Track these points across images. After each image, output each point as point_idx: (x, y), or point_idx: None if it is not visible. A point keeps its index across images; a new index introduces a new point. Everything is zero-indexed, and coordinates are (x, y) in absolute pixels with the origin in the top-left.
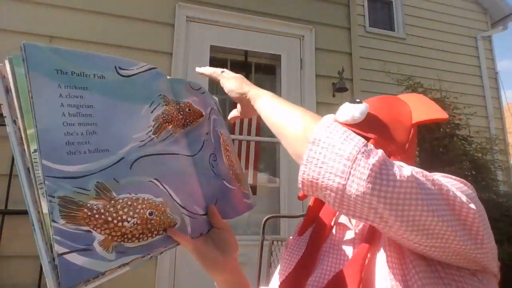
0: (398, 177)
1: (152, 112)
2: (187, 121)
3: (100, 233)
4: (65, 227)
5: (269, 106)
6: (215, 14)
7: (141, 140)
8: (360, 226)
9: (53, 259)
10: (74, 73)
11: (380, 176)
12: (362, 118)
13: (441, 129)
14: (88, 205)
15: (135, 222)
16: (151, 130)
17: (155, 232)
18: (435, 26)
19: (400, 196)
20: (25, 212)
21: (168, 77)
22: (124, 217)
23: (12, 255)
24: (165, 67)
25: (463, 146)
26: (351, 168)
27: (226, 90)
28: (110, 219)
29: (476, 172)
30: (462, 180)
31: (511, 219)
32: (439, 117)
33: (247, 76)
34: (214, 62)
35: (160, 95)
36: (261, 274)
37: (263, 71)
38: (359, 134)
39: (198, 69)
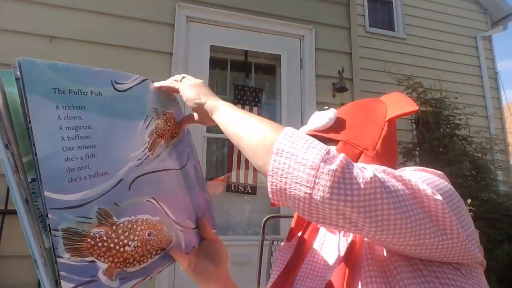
0: (361, 180)
1: (146, 128)
2: (174, 132)
3: (103, 262)
4: (70, 261)
5: (228, 118)
6: (215, 14)
7: (138, 159)
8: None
9: None
10: (72, 91)
11: (344, 181)
12: (330, 123)
13: (441, 129)
14: (91, 234)
15: (135, 245)
16: (146, 147)
17: (154, 253)
18: (435, 26)
19: (366, 198)
20: None
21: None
22: (125, 241)
23: (12, 255)
24: (165, 67)
25: (463, 146)
26: (315, 176)
27: (184, 99)
28: (112, 245)
29: (476, 172)
30: (434, 171)
31: (511, 219)
32: (409, 110)
33: (247, 76)
34: (214, 62)
35: (153, 108)
36: (261, 274)
37: (263, 71)
38: (329, 139)
39: (156, 84)
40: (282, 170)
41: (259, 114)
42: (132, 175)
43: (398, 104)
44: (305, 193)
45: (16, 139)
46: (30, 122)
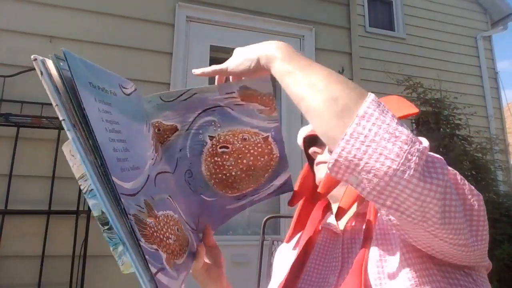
0: (445, 165)
1: (149, 131)
2: (159, 142)
3: (162, 252)
4: (146, 245)
5: (293, 69)
6: (215, 14)
7: (152, 158)
8: (349, 230)
9: (152, 278)
10: (99, 87)
11: (433, 164)
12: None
13: (441, 129)
14: (148, 222)
15: (174, 239)
16: (153, 149)
17: (184, 249)
18: (435, 26)
19: (446, 185)
20: (25, 212)
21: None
22: (167, 234)
23: (12, 255)
24: (165, 67)
25: (463, 146)
26: (408, 152)
27: (237, 70)
28: (161, 236)
29: (476, 172)
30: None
31: (511, 219)
32: (409, 113)
33: None
34: (214, 62)
35: (145, 115)
36: (261, 274)
37: None
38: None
39: (195, 71)
40: (366, 136)
41: None
42: (153, 172)
43: (398, 107)
44: (389, 167)
45: (81, 121)
46: (84, 109)
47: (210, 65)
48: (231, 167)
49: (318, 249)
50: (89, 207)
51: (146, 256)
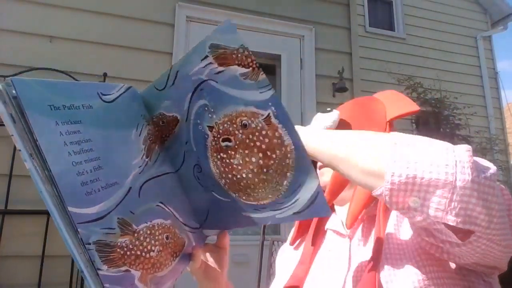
0: (491, 164)
1: (140, 135)
2: (163, 135)
3: (136, 270)
4: (109, 272)
5: (317, 141)
6: (215, 14)
7: (139, 166)
8: (357, 233)
9: None
10: (65, 106)
11: (482, 164)
12: (334, 125)
13: (441, 129)
14: (119, 243)
15: (159, 250)
16: (144, 154)
17: (174, 255)
18: (435, 26)
19: (494, 185)
20: (24, 212)
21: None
22: (149, 247)
23: (12, 255)
24: (165, 67)
25: None
26: (455, 156)
27: None
28: (139, 252)
29: None
30: None
31: None
32: (410, 111)
33: None
34: None
35: (142, 115)
36: (261, 275)
37: (263, 71)
38: None
39: None
40: (408, 155)
41: None
42: (138, 183)
43: (398, 104)
44: (447, 174)
45: (35, 152)
46: (37, 140)
47: None
48: (240, 167)
49: (324, 251)
50: None
51: (106, 285)
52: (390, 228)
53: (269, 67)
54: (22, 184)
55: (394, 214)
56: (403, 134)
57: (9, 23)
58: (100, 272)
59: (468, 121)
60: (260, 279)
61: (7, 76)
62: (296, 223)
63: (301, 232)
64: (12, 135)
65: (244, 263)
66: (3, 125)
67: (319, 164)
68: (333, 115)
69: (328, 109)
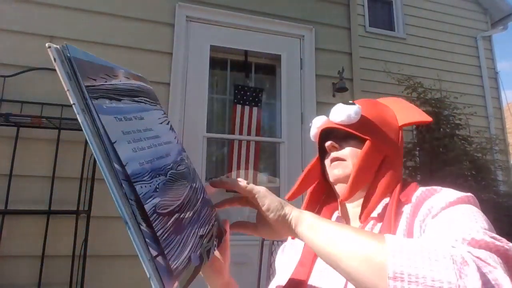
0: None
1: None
2: None
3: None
4: (146, 229)
5: (317, 232)
6: (215, 14)
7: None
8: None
9: (152, 259)
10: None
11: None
12: (357, 118)
13: (441, 129)
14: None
15: None
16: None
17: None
18: (435, 26)
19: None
20: (25, 212)
21: None
22: None
23: (12, 255)
24: (165, 67)
25: (463, 146)
26: (457, 269)
27: (263, 208)
28: None
29: (476, 172)
30: (466, 196)
31: (511, 219)
32: (423, 120)
33: (247, 76)
34: (214, 62)
35: None
36: (261, 274)
37: (263, 71)
38: (353, 135)
39: (216, 181)
40: (409, 270)
41: (259, 114)
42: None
43: (408, 112)
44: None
45: (87, 108)
46: (87, 99)
47: (210, 65)
48: None
49: None
50: (89, 207)
51: (146, 239)
52: (399, 233)
53: (269, 67)
54: (22, 184)
55: (404, 218)
56: (401, 250)
57: (9, 23)
58: (142, 228)
59: (468, 121)
60: (260, 278)
61: (7, 76)
62: None
63: None
64: (68, 90)
65: (243, 263)
66: (3, 125)
67: (331, 156)
68: (356, 108)
69: (350, 102)
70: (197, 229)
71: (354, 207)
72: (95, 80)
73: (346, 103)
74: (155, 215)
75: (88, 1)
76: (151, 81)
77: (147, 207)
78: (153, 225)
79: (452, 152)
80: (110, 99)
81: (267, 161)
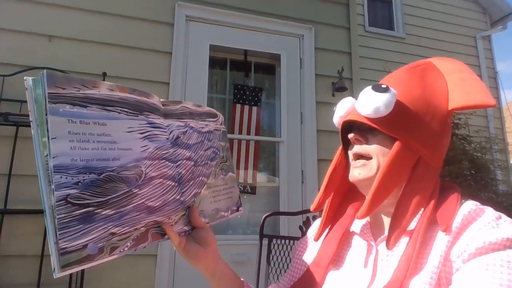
0: None
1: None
2: None
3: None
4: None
5: None
6: (215, 14)
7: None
8: (386, 245)
9: (56, 242)
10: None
11: None
12: (387, 112)
13: None
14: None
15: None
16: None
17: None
18: (434, 26)
19: None
20: (24, 212)
21: None
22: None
23: (11, 255)
24: (165, 66)
25: (463, 145)
26: None
27: None
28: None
29: (476, 172)
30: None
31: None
32: (485, 103)
33: (247, 76)
34: (213, 62)
35: None
36: (260, 273)
37: (262, 70)
38: (382, 132)
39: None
40: None
41: (258, 113)
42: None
43: (468, 89)
44: None
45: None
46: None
47: (209, 64)
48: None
49: (347, 255)
50: None
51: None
52: (428, 269)
53: (269, 67)
54: (21, 183)
55: (438, 246)
56: None
57: (9, 22)
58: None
59: (467, 121)
60: (259, 277)
61: (7, 76)
62: (323, 218)
63: (324, 228)
64: (30, 111)
65: (243, 262)
66: (3, 124)
67: (354, 151)
68: (388, 97)
69: (383, 86)
70: (111, 227)
71: (387, 207)
72: (64, 89)
73: (377, 88)
74: (63, 201)
75: (87, 1)
76: (150, 81)
77: (58, 193)
78: (57, 209)
79: (452, 151)
80: (73, 105)
81: (266, 160)
